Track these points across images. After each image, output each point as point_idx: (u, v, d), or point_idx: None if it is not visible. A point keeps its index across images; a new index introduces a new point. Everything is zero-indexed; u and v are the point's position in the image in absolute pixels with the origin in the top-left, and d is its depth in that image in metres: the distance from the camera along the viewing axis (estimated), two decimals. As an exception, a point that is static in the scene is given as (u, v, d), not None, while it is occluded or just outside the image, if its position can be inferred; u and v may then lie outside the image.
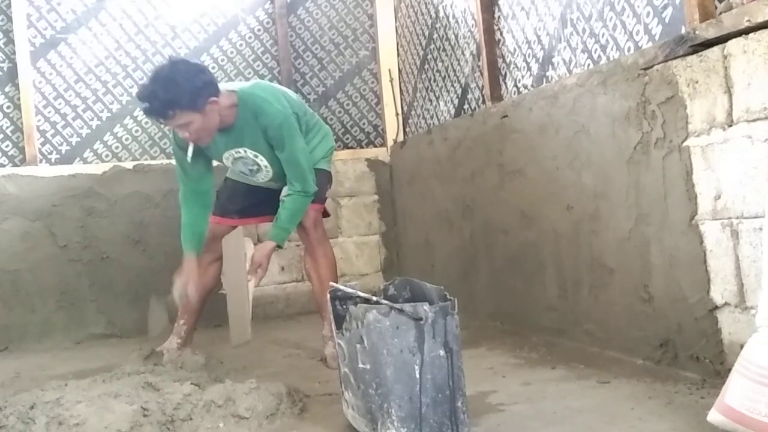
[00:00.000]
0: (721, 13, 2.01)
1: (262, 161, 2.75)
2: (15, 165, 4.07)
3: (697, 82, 2.07)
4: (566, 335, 2.81)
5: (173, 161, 4.20)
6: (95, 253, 4.00)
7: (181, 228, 2.91)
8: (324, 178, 2.91)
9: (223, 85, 2.66)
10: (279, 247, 2.74)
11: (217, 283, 3.08)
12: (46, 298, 3.90)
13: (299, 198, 2.71)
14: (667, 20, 2.36)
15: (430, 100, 4.17)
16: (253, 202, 2.96)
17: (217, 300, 4.23)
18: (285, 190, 2.75)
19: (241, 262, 2.93)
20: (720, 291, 2.05)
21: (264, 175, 2.81)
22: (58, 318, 3.91)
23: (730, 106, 1.96)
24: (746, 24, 1.87)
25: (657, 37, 2.40)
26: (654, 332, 2.33)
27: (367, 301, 1.87)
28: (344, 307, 1.98)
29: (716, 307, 2.07)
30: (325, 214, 3.01)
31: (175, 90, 2.43)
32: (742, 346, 1.63)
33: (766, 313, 1.56)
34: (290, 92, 2.88)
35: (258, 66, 4.62)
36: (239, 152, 2.74)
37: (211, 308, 4.03)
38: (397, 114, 4.66)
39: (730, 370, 1.63)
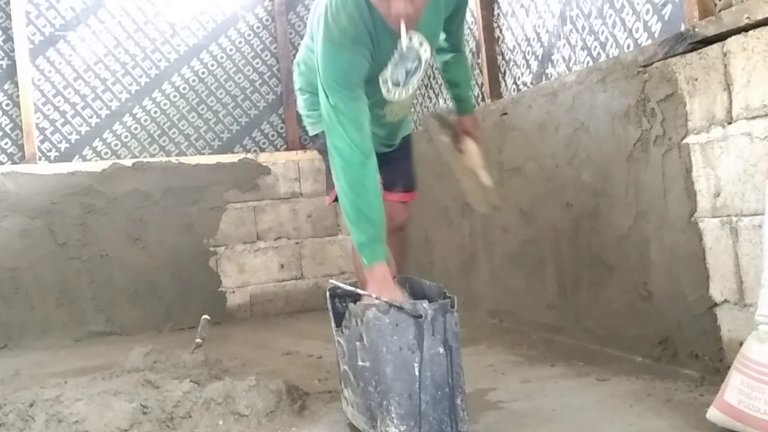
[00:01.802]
0: (720, 11, 2.01)
1: (426, 52, 2.19)
2: (14, 163, 4.07)
3: (696, 79, 2.07)
4: (565, 333, 2.81)
5: (171, 159, 4.24)
6: (94, 251, 4.00)
7: (357, 203, 1.92)
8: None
9: None
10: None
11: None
12: (45, 295, 3.90)
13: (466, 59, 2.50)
14: (666, 17, 2.36)
15: (429, 98, 4.16)
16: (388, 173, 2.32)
17: (215, 299, 4.25)
18: (445, 57, 2.40)
19: (446, 145, 2.50)
20: (719, 288, 2.05)
21: (418, 78, 2.24)
22: (57, 315, 3.92)
23: (730, 103, 1.96)
24: (746, 21, 1.86)
25: (656, 35, 2.40)
26: (653, 330, 2.33)
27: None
28: (344, 304, 1.98)
29: (715, 305, 2.07)
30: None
31: None
32: (741, 344, 1.64)
33: (765, 310, 1.56)
34: None
35: (257, 63, 4.61)
36: (411, 41, 2.15)
37: (210, 307, 4.06)
38: (396, 111, 4.65)
39: (729, 367, 1.63)
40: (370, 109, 2.17)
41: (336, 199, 2.18)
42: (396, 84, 2.21)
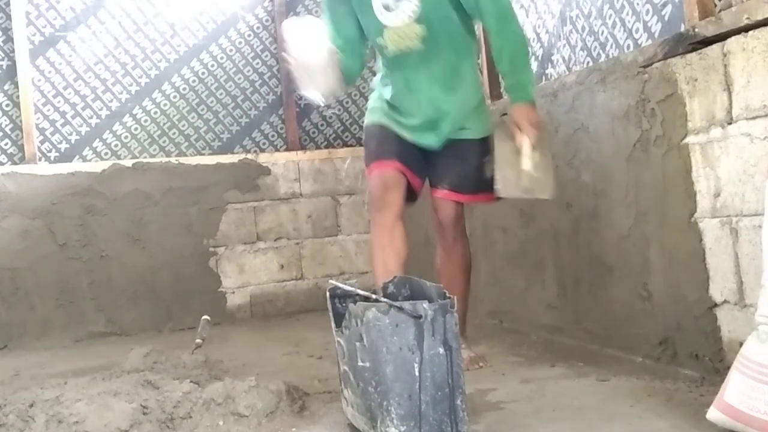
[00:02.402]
0: (720, 11, 2.01)
1: None
2: (14, 163, 4.07)
3: (696, 79, 2.07)
4: (565, 333, 2.81)
5: (171, 159, 4.24)
6: (94, 251, 4.00)
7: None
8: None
9: None
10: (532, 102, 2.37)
11: (407, 250, 2.46)
12: (45, 296, 3.90)
13: (512, 28, 2.38)
14: (666, 18, 2.36)
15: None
16: (409, 152, 2.48)
17: (215, 300, 4.25)
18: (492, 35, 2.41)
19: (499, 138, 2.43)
20: (719, 289, 2.05)
21: (410, 6, 2.33)
22: (57, 316, 3.91)
23: (730, 103, 1.96)
24: (745, 22, 1.87)
25: (656, 35, 2.40)
26: (653, 330, 2.34)
27: (366, 299, 1.87)
28: (344, 305, 1.98)
29: (715, 305, 2.07)
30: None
31: None
32: (741, 344, 1.64)
33: (765, 310, 1.56)
34: None
35: (257, 64, 4.61)
36: None
37: (210, 308, 4.06)
38: (396, 112, 4.65)
39: (729, 367, 1.63)
40: (374, 41, 2.45)
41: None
42: (386, 7, 2.36)
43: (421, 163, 2.51)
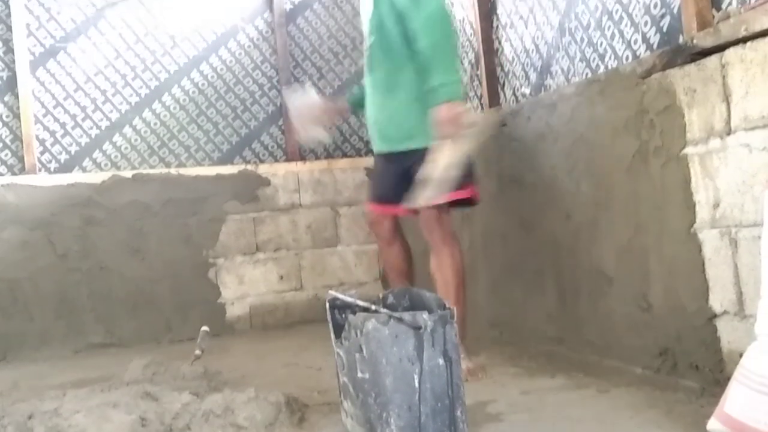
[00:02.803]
0: (718, 22, 2.02)
1: (367, 14, 2.68)
2: (14, 174, 4.07)
3: (695, 90, 2.07)
4: (565, 344, 2.80)
5: (171, 170, 4.25)
6: (94, 262, 3.99)
7: None
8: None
9: None
10: (455, 99, 2.39)
11: (408, 264, 2.89)
12: (44, 307, 3.89)
13: (435, 30, 2.43)
14: (665, 29, 2.37)
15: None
16: (380, 183, 2.83)
17: (214, 311, 4.24)
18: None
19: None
20: (719, 299, 2.05)
21: (371, 33, 2.67)
22: (56, 327, 3.91)
23: (728, 114, 1.97)
24: (744, 33, 1.87)
25: (655, 46, 2.41)
26: (653, 341, 2.33)
27: (366, 310, 1.87)
28: (343, 316, 1.98)
29: (715, 316, 2.07)
30: (467, 202, 2.69)
31: None
32: (741, 355, 1.63)
33: (765, 321, 1.56)
34: None
35: (257, 75, 4.63)
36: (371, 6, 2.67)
37: (209, 319, 4.05)
38: (395, 123, 4.65)
39: (729, 378, 1.63)
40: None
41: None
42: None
43: (398, 186, 2.62)
